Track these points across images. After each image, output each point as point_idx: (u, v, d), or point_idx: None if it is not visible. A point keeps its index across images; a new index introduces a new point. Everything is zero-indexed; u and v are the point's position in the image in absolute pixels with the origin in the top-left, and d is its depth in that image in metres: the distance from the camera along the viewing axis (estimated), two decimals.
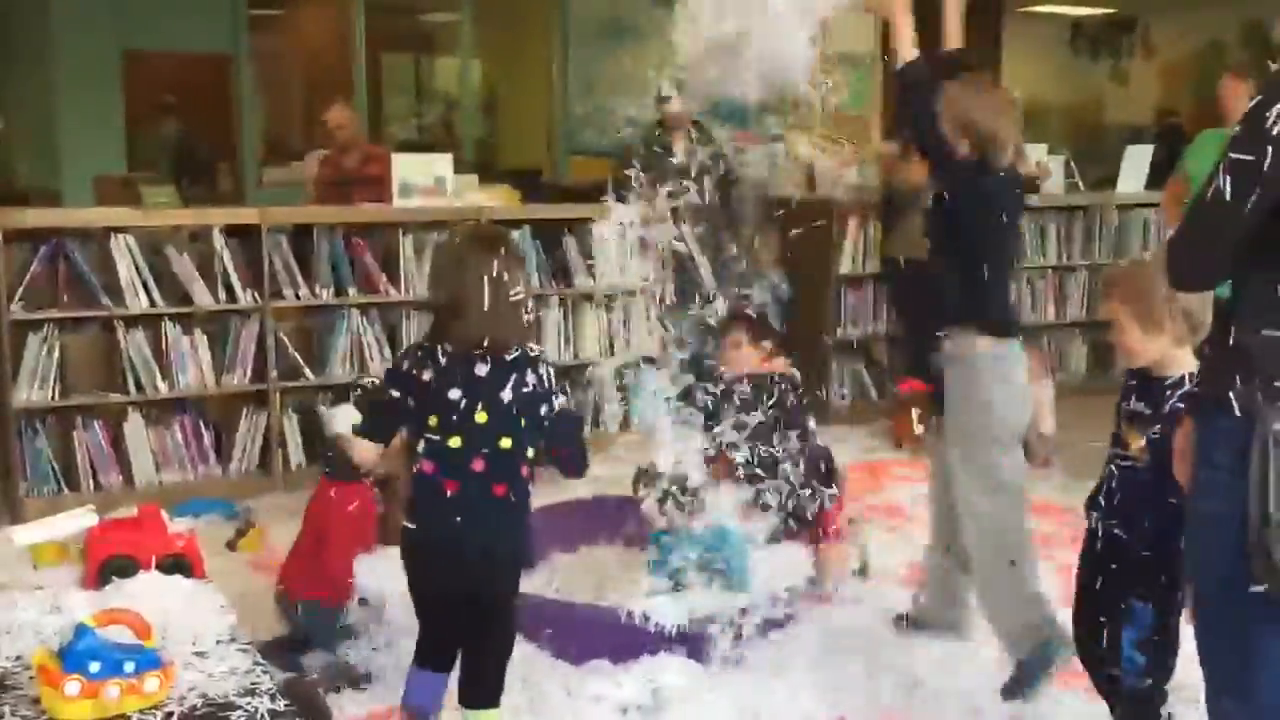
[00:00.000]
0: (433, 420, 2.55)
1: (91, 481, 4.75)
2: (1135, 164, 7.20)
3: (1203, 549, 2.03)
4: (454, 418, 2.53)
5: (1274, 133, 1.82)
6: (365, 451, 2.72)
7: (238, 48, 9.49)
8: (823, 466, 3.92)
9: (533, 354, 2.62)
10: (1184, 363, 2.58)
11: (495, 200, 5.64)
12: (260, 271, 4.95)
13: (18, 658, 2.30)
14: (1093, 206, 7.12)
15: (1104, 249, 7.15)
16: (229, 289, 4.92)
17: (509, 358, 2.57)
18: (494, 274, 2.50)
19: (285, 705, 2.22)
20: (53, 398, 4.67)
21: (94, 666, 2.07)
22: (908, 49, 3.10)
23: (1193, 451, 2.03)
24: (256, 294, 4.96)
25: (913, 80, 3.07)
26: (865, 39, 8.48)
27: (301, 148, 8.64)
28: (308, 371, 5.08)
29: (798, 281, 6.01)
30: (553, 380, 2.64)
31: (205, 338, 4.91)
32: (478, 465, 2.55)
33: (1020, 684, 3.17)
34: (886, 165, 6.41)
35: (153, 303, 4.80)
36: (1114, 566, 2.68)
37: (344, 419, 3.28)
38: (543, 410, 2.61)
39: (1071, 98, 13.04)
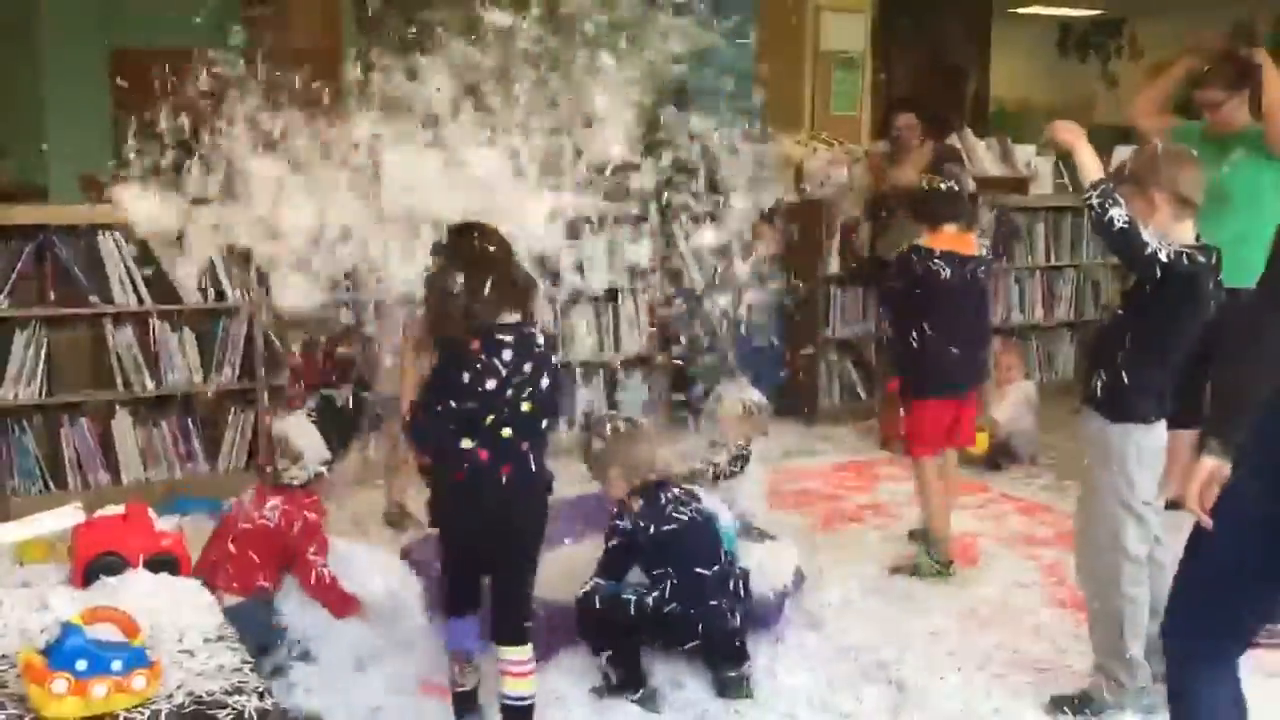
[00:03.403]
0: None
1: (79, 479, 4.73)
2: None
3: (1237, 515, 2.15)
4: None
5: None
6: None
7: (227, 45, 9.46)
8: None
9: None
10: None
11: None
12: (249, 269, 4.93)
13: (3, 656, 2.28)
14: (1080, 207, 7.14)
15: (1092, 250, 7.18)
16: (218, 286, 4.91)
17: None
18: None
19: (273, 704, 2.22)
20: (40, 395, 4.65)
21: (81, 664, 2.06)
22: (1094, 172, 3.13)
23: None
24: (245, 292, 4.95)
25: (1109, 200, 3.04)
26: (856, 39, 8.49)
27: None
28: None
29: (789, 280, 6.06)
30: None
31: (193, 335, 4.90)
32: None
33: (1076, 708, 3.19)
34: (875, 165, 6.43)
35: (140, 300, 4.79)
36: None
37: (299, 431, 3.34)
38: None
39: (1060, 99, 13.08)
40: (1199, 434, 2.24)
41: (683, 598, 3.21)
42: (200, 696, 2.18)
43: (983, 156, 7.14)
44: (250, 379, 5.00)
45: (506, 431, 2.78)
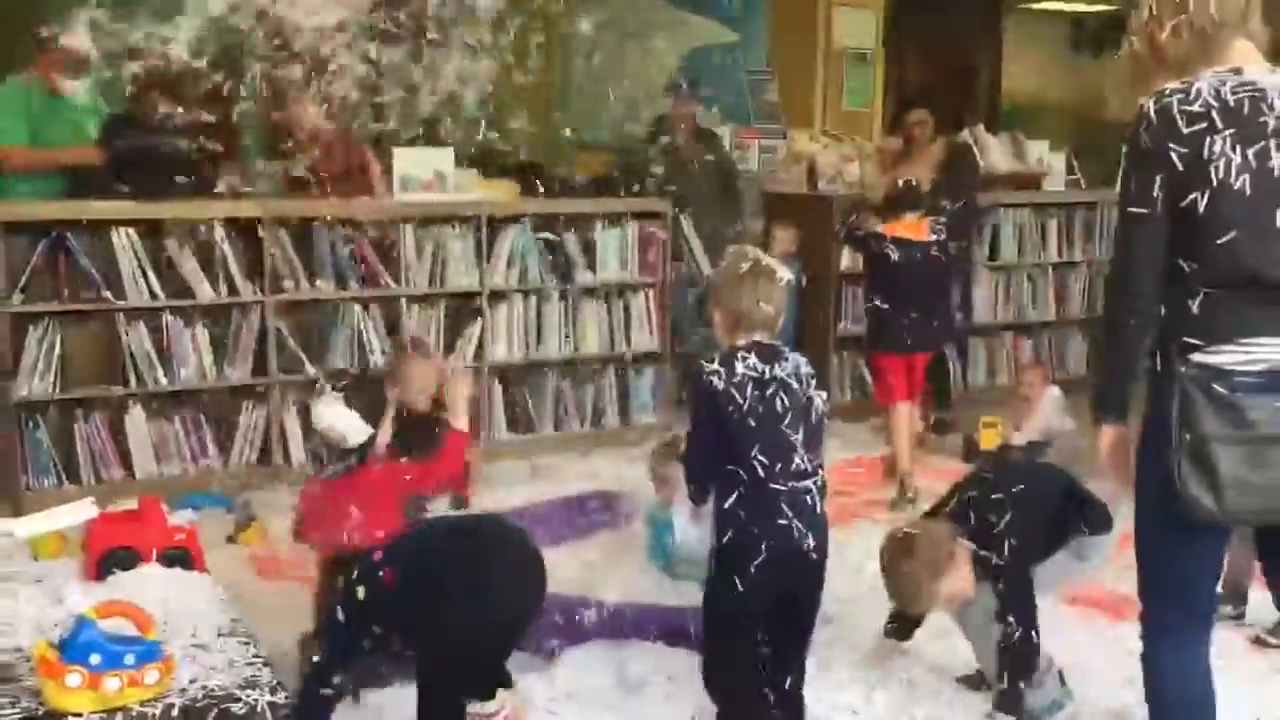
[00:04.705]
0: None
1: (92, 474, 4.75)
2: None
3: (1141, 477, 2.40)
4: None
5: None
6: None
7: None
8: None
9: None
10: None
11: (496, 195, 5.64)
12: (261, 264, 4.95)
13: (18, 649, 2.30)
14: (1093, 202, 7.12)
15: (1105, 246, 7.15)
16: (230, 282, 4.92)
17: None
18: None
19: (285, 698, 2.22)
20: (53, 390, 4.67)
21: (94, 658, 2.07)
22: None
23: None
24: (257, 287, 4.96)
25: None
26: (868, 35, 8.48)
27: None
28: (308, 365, 5.09)
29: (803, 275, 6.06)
30: None
31: (206, 331, 4.91)
32: None
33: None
34: (889, 161, 6.42)
35: (153, 295, 4.80)
36: None
37: (333, 413, 3.27)
38: None
39: (1072, 94, 13.03)
40: (1091, 409, 2.44)
41: (754, 510, 2.67)
42: (213, 690, 2.19)
43: (995, 152, 7.11)
44: (263, 374, 5.02)
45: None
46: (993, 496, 3.04)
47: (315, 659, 2.61)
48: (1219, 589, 3.70)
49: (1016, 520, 2.98)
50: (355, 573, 2.59)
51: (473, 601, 2.54)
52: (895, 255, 4.97)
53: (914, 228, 5.03)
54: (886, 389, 5.13)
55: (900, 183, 5.11)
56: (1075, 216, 7.08)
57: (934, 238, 5.07)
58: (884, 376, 5.14)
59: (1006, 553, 2.96)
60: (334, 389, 3.37)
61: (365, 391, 3.37)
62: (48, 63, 5.04)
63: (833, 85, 8.40)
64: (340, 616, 2.57)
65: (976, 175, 6.48)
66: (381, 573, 2.56)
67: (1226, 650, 3.52)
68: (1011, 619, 2.97)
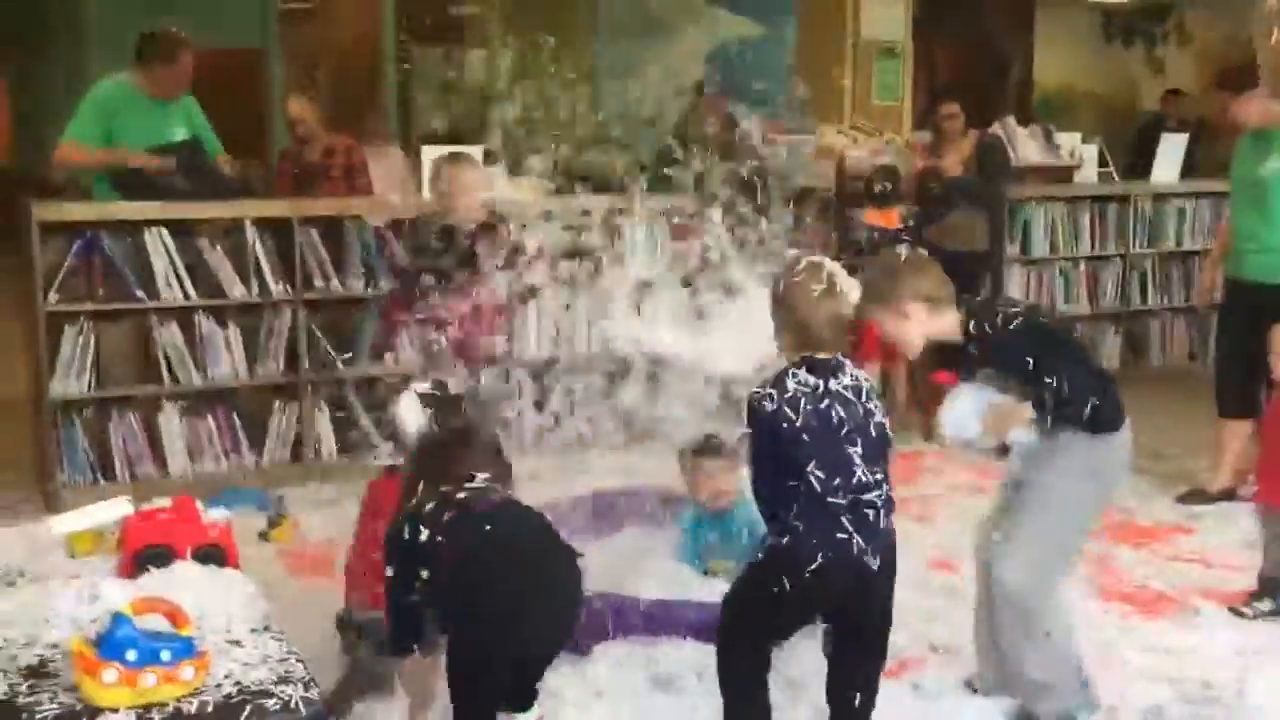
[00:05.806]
0: None
1: (127, 472, 4.80)
2: (1170, 152, 7.13)
3: None
4: None
5: None
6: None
7: (268, 42, 9.54)
8: None
9: None
10: None
11: (524, 192, 5.64)
12: (292, 263, 4.98)
13: (55, 646, 2.32)
14: (1126, 195, 7.05)
15: (1138, 239, 7.08)
16: (261, 281, 4.96)
17: None
18: None
19: (318, 694, 2.24)
20: (88, 389, 4.72)
21: (131, 654, 2.09)
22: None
23: None
24: (288, 286, 4.99)
25: None
26: (897, 27, 8.43)
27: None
28: (339, 363, 5.12)
29: None
30: None
31: (238, 329, 4.95)
32: None
33: None
34: (920, 154, 6.38)
35: (186, 295, 4.84)
36: None
37: (408, 409, 3.18)
38: None
39: (1105, 85, 12.92)
40: None
41: (812, 522, 2.63)
42: (247, 686, 2.20)
43: (1026, 144, 7.05)
44: (294, 372, 5.05)
45: None
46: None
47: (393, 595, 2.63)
48: (1256, 585, 3.68)
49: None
50: (417, 518, 2.61)
51: (522, 616, 2.54)
52: (864, 241, 5.73)
53: (886, 217, 5.80)
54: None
55: (877, 187, 5.80)
56: (1108, 209, 7.02)
57: (902, 225, 5.78)
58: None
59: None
60: (423, 392, 3.26)
61: (443, 410, 3.23)
62: (154, 76, 5.17)
63: (862, 79, 8.36)
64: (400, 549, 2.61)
65: (1008, 168, 6.44)
66: (440, 538, 2.57)
67: (1271, 645, 3.50)
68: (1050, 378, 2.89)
